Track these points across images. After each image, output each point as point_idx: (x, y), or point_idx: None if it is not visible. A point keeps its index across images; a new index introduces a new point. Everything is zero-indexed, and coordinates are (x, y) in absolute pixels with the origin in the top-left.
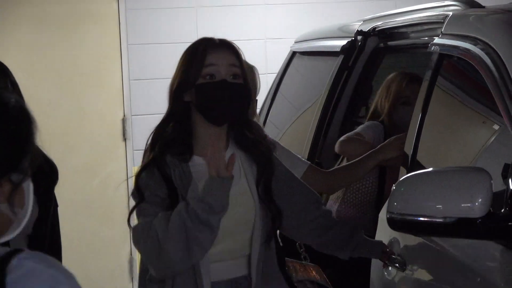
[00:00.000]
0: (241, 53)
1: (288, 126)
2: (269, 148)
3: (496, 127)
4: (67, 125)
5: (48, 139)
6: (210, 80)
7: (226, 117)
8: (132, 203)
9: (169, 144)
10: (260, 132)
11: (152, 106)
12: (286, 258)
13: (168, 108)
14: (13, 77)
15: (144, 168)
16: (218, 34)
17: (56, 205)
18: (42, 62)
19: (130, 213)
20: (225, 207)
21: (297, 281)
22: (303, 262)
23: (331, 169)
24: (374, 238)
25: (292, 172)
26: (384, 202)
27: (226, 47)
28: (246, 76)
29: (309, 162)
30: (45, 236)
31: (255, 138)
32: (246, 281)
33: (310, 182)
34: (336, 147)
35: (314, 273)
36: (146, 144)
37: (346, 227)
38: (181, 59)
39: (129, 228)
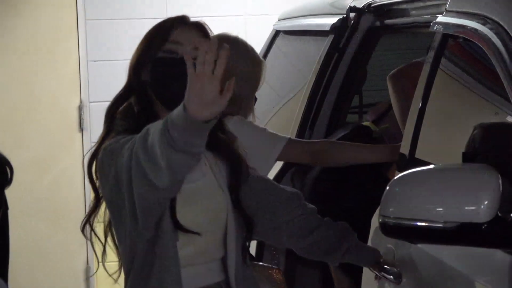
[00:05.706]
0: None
1: (270, 116)
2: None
3: (510, 118)
4: (14, 113)
5: None
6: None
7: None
8: (88, 203)
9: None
10: (231, 134)
11: (113, 91)
12: None
13: (124, 86)
14: None
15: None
16: (191, 9)
17: (7, 208)
18: None
19: (88, 218)
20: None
21: None
22: (267, 264)
23: None
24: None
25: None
26: None
27: (199, 29)
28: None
29: (288, 136)
30: None
31: (227, 139)
32: None
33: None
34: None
35: (275, 277)
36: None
37: (335, 227)
38: (145, 34)
39: (84, 236)
